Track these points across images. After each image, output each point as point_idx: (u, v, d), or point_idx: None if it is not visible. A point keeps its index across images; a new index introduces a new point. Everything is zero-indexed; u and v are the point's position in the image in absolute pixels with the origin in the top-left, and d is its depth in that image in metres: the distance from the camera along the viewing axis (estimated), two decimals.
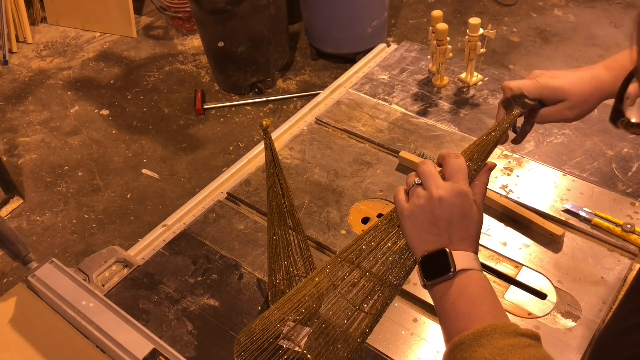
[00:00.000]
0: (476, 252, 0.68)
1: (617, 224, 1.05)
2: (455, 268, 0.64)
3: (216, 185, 1.26)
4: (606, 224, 1.05)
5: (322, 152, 1.30)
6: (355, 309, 0.70)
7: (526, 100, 0.82)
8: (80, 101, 3.10)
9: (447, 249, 0.65)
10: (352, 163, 1.26)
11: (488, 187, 1.08)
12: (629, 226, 1.04)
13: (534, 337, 0.60)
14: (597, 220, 1.06)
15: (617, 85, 0.66)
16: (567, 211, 1.10)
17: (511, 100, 0.83)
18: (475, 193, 0.69)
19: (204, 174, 2.59)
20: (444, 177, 0.68)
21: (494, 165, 0.74)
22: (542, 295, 0.97)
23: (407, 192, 0.70)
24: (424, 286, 0.67)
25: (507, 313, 0.95)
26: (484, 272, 0.68)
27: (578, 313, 0.94)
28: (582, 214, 1.08)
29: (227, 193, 1.23)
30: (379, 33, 3.02)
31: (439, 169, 0.70)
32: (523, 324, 0.93)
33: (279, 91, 3.05)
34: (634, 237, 1.03)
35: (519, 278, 1.00)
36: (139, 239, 1.15)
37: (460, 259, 0.65)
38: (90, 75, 3.29)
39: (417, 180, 0.69)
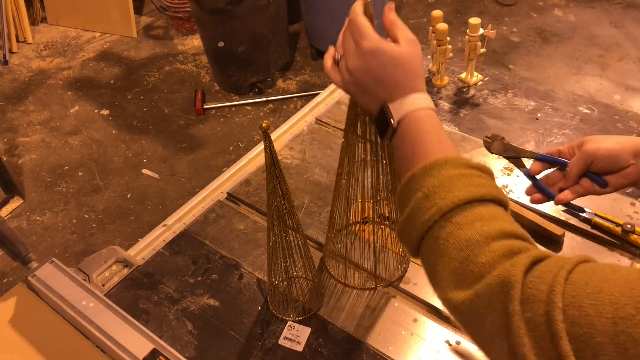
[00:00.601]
0: (417, 88, 0.67)
1: (617, 224, 1.05)
2: (393, 119, 0.66)
3: (216, 185, 1.26)
4: (606, 223, 1.05)
5: (322, 152, 1.30)
6: None
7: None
8: (80, 101, 3.10)
9: (384, 104, 0.67)
10: None
11: None
12: (629, 226, 1.03)
13: (487, 171, 0.61)
14: (597, 220, 1.06)
15: None
16: (567, 211, 1.10)
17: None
18: (392, 33, 0.70)
19: (204, 174, 2.59)
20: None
21: (392, 5, 0.73)
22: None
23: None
24: (389, 146, 0.69)
25: None
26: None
27: None
28: (582, 214, 1.08)
29: (227, 193, 1.22)
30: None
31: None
32: None
33: (279, 91, 3.05)
34: (634, 237, 1.03)
35: None
36: (139, 239, 1.15)
37: (397, 107, 0.66)
38: (91, 75, 3.29)
39: (340, 52, 0.71)
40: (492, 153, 0.89)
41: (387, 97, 0.67)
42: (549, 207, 1.11)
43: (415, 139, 0.64)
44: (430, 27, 1.34)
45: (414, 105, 0.66)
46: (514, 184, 1.17)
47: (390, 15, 0.72)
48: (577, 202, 1.11)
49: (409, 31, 0.70)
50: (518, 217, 1.09)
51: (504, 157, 0.89)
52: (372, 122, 0.72)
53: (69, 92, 3.17)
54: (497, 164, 1.22)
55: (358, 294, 0.99)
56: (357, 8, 0.70)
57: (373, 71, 0.67)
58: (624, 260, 1.01)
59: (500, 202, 0.59)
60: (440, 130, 0.65)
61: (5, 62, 3.42)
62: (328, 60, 0.73)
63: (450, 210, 0.56)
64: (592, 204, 1.11)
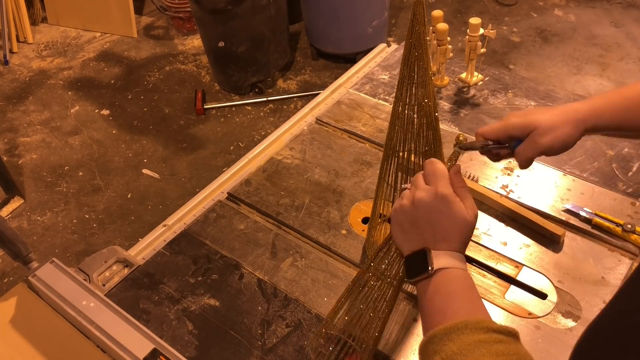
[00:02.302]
0: (461, 250, 0.70)
1: (617, 224, 1.05)
2: (432, 267, 0.67)
3: (216, 185, 1.26)
4: (607, 223, 1.05)
5: (323, 152, 1.30)
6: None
7: (474, 144, 0.85)
8: (80, 101, 3.10)
9: (427, 249, 0.69)
10: (353, 163, 1.26)
11: (489, 187, 1.09)
12: (629, 226, 1.04)
13: (508, 334, 0.61)
14: (597, 220, 1.06)
15: (596, 114, 0.75)
16: (567, 211, 1.10)
17: (458, 146, 0.86)
18: (460, 195, 0.71)
19: (204, 174, 2.59)
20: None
21: (458, 167, 0.76)
22: (542, 295, 0.97)
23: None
24: (410, 283, 0.70)
25: (507, 313, 0.95)
26: (478, 271, 0.70)
27: (578, 313, 0.94)
28: (582, 213, 1.08)
29: (227, 193, 1.23)
30: (380, 33, 3.02)
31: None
32: (523, 324, 0.93)
33: (279, 91, 3.05)
34: (634, 237, 1.03)
35: (519, 278, 1.00)
36: (140, 239, 1.15)
37: (440, 258, 0.68)
38: (91, 75, 3.29)
39: (407, 185, 0.75)
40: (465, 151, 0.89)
41: (431, 243, 0.69)
42: (549, 207, 1.11)
43: (448, 294, 0.66)
44: (431, 27, 1.34)
45: (455, 262, 0.68)
46: (514, 184, 1.17)
47: (456, 179, 0.74)
48: (577, 202, 1.11)
49: (474, 204, 0.73)
50: (518, 217, 1.10)
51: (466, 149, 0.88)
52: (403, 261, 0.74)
53: (70, 92, 3.17)
54: (497, 164, 1.22)
55: None
56: (437, 161, 0.74)
57: (433, 212, 0.69)
58: (624, 260, 1.01)
59: None
60: (472, 291, 0.67)
61: (6, 62, 3.42)
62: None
63: None
64: (592, 204, 1.11)
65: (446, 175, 0.72)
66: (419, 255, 0.69)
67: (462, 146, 0.85)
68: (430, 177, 0.72)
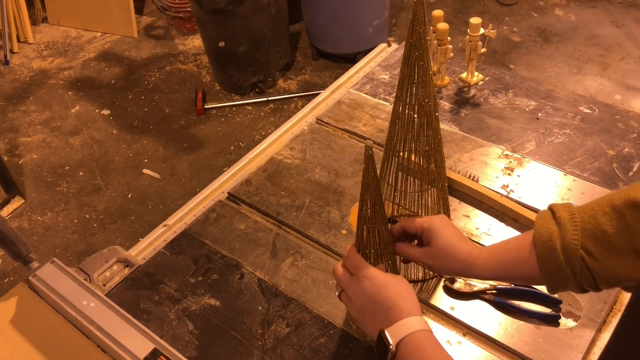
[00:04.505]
0: (414, 311, 0.73)
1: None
2: (391, 344, 0.70)
3: (217, 185, 1.26)
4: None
5: (323, 152, 1.30)
6: None
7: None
8: (81, 101, 3.10)
9: (381, 330, 0.72)
10: (353, 163, 1.26)
11: (489, 187, 1.10)
12: None
13: None
14: None
15: (479, 259, 0.79)
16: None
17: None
18: (377, 267, 0.79)
19: (204, 174, 2.59)
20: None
21: (351, 247, 0.84)
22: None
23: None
24: None
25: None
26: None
27: (579, 313, 0.94)
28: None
29: (227, 193, 1.23)
30: (380, 33, 3.02)
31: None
32: (523, 323, 0.93)
33: (279, 91, 3.05)
34: None
35: None
36: (140, 239, 1.15)
37: (394, 331, 0.71)
38: (91, 75, 3.29)
39: (337, 291, 0.83)
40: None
41: (384, 320, 0.73)
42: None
43: None
44: (431, 27, 1.34)
45: (411, 327, 0.71)
46: (515, 184, 1.17)
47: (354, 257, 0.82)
48: (578, 201, 1.11)
49: (381, 267, 0.82)
50: (519, 217, 1.10)
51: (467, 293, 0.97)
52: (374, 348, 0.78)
53: (70, 92, 3.17)
54: (498, 164, 1.22)
55: None
56: (351, 249, 0.82)
57: (368, 293, 0.76)
58: None
59: None
60: (441, 350, 0.70)
61: (6, 62, 3.42)
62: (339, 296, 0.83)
63: None
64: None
65: (359, 258, 0.79)
66: (380, 338, 0.73)
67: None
68: (350, 269, 0.80)
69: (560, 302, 0.95)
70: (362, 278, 0.77)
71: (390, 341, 0.70)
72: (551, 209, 0.76)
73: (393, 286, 0.75)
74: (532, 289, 0.97)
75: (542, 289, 0.97)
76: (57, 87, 3.22)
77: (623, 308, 0.95)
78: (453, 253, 0.82)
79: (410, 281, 0.99)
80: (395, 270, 0.89)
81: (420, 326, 0.71)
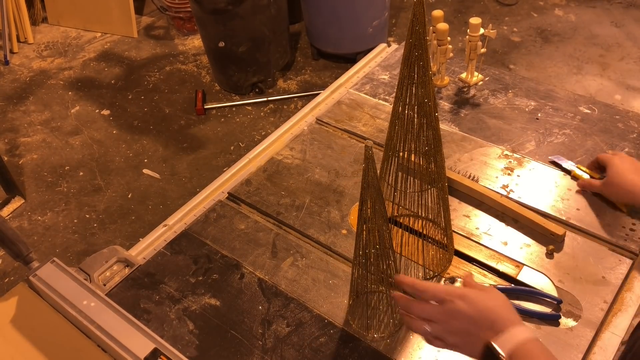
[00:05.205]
0: (517, 322, 0.71)
1: (592, 177, 1.14)
2: (502, 354, 0.67)
3: (217, 185, 1.26)
4: (584, 176, 1.15)
5: (323, 152, 1.30)
6: None
7: None
8: (81, 101, 3.10)
9: (488, 342, 0.69)
10: (353, 163, 1.27)
11: (489, 187, 1.10)
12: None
13: None
14: (576, 172, 1.16)
15: None
16: (552, 162, 1.20)
17: None
18: (476, 288, 0.76)
19: (204, 174, 2.59)
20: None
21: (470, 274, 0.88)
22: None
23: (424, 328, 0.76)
24: None
25: None
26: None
27: (579, 313, 0.94)
28: (565, 165, 1.18)
29: (227, 193, 1.23)
30: (380, 33, 3.02)
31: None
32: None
33: (279, 91, 3.05)
34: None
35: (520, 278, 1.00)
36: (140, 239, 1.15)
37: (503, 342, 0.68)
38: (91, 76, 3.29)
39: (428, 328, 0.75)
40: None
41: (489, 334, 0.69)
42: (549, 207, 1.11)
43: None
44: (431, 27, 1.34)
45: (521, 336, 0.68)
46: (515, 184, 1.17)
47: (468, 280, 0.80)
48: (577, 201, 1.11)
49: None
50: (519, 217, 1.10)
51: None
52: None
53: (70, 92, 3.17)
54: (498, 163, 1.22)
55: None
56: (419, 283, 0.77)
57: (468, 313, 0.71)
58: (624, 260, 1.01)
59: None
60: (551, 356, 0.68)
61: (6, 62, 3.42)
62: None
63: None
64: (593, 203, 1.11)
65: (439, 286, 0.76)
66: (487, 352, 0.69)
67: None
68: (434, 298, 0.75)
69: (560, 301, 0.95)
70: (455, 300, 0.72)
71: (502, 353, 0.68)
72: None
73: (490, 298, 0.73)
74: (532, 289, 0.97)
75: (543, 288, 0.97)
76: (57, 87, 3.22)
77: (623, 308, 0.95)
78: (624, 184, 1.01)
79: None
80: (395, 269, 0.89)
81: (528, 333, 0.69)
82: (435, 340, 0.74)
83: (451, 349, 0.74)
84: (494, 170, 1.20)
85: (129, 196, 2.52)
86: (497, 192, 1.14)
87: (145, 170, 2.65)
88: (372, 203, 0.78)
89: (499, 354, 0.67)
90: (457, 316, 0.72)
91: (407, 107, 0.85)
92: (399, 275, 0.79)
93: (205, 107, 2.93)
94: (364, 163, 0.74)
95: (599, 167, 1.13)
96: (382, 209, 0.80)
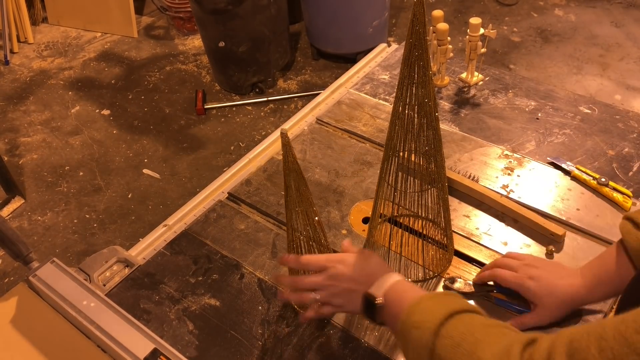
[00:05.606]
0: (389, 272, 0.79)
1: (593, 177, 1.14)
2: (377, 297, 0.76)
3: (217, 185, 1.26)
4: (583, 176, 1.14)
5: (323, 152, 1.30)
6: None
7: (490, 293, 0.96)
8: (81, 101, 3.10)
9: (365, 293, 0.77)
10: (353, 163, 1.26)
11: (489, 187, 1.10)
12: (603, 180, 1.12)
13: (451, 294, 0.73)
14: (576, 173, 1.15)
15: (590, 295, 0.84)
16: (551, 163, 1.20)
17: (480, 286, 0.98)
18: (353, 252, 0.85)
19: (205, 174, 2.59)
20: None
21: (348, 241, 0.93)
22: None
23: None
24: (385, 326, 0.79)
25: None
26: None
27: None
28: (564, 166, 1.18)
29: (228, 193, 1.23)
30: (380, 33, 3.02)
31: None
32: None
33: (279, 91, 3.05)
34: (605, 189, 1.11)
35: None
36: (140, 239, 1.15)
37: (377, 289, 0.76)
38: (91, 76, 3.29)
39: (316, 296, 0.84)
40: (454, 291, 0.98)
41: (367, 287, 0.78)
42: (549, 207, 1.11)
43: (401, 299, 0.73)
44: (431, 27, 1.34)
45: (391, 280, 0.77)
46: (515, 184, 1.17)
47: (346, 245, 0.88)
48: (577, 201, 1.11)
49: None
50: (519, 217, 1.10)
51: (467, 293, 0.98)
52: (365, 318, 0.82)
53: (70, 92, 3.17)
54: (498, 163, 1.22)
55: None
56: (299, 259, 0.87)
57: (346, 274, 0.81)
58: None
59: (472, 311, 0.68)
60: (418, 288, 0.76)
61: (6, 62, 3.42)
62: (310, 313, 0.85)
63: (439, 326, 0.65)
64: (593, 203, 1.11)
65: (313, 257, 0.86)
66: (366, 301, 0.77)
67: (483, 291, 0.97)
68: (314, 267, 0.84)
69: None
70: (336, 265, 0.81)
71: (377, 296, 0.75)
72: (630, 219, 0.83)
73: (365, 258, 0.82)
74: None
75: None
76: (57, 87, 3.22)
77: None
78: (564, 308, 0.88)
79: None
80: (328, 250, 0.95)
81: (397, 277, 0.78)
82: (324, 307, 0.83)
83: (338, 310, 0.83)
84: (494, 170, 1.20)
85: (129, 196, 2.52)
86: (497, 192, 1.14)
87: (145, 170, 2.65)
88: (297, 186, 0.83)
89: (374, 298, 0.75)
90: (339, 278, 0.80)
91: (407, 107, 0.85)
92: (282, 256, 0.86)
93: (205, 107, 2.93)
94: (282, 150, 0.79)
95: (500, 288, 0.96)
96: (307, 192, 0.85)
